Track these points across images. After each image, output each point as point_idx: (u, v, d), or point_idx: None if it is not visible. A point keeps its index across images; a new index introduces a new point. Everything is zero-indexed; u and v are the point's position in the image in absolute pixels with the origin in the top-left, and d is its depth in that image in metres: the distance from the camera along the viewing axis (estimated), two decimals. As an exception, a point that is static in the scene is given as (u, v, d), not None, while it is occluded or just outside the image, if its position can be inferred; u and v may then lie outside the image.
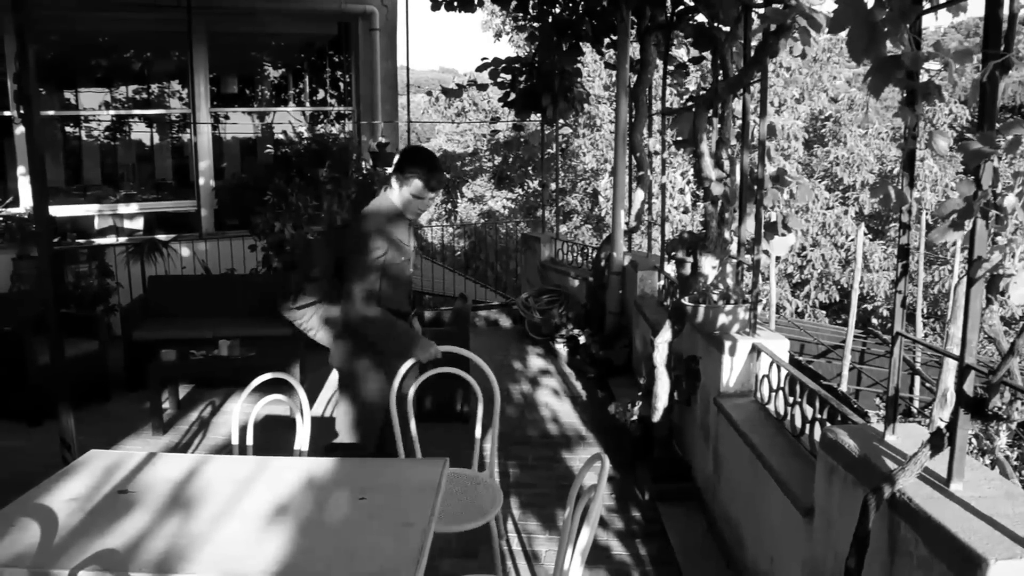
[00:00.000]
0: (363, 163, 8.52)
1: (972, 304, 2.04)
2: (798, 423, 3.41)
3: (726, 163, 4.64)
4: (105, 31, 10.97)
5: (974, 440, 6.84)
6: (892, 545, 2.26)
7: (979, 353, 2.10)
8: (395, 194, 3.61)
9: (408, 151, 3.80)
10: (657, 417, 4.70)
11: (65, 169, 11.42)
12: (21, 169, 8.97)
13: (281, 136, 8.53)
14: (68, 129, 11.79)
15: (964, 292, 2.06)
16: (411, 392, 3.61)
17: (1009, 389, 2.02)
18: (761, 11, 3.98)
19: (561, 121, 9.47)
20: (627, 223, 7.25)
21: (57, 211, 9.18)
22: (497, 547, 3.61)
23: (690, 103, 4.79)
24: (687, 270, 4.68)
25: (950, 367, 2.27)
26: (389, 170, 8.58)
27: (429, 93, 33.24)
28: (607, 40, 7.83)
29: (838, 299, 18.74)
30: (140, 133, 12.41)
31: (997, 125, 1.94)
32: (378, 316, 3.49)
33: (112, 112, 12.02)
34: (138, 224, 10.33)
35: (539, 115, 8.67)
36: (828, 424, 3.00)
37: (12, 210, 8.85)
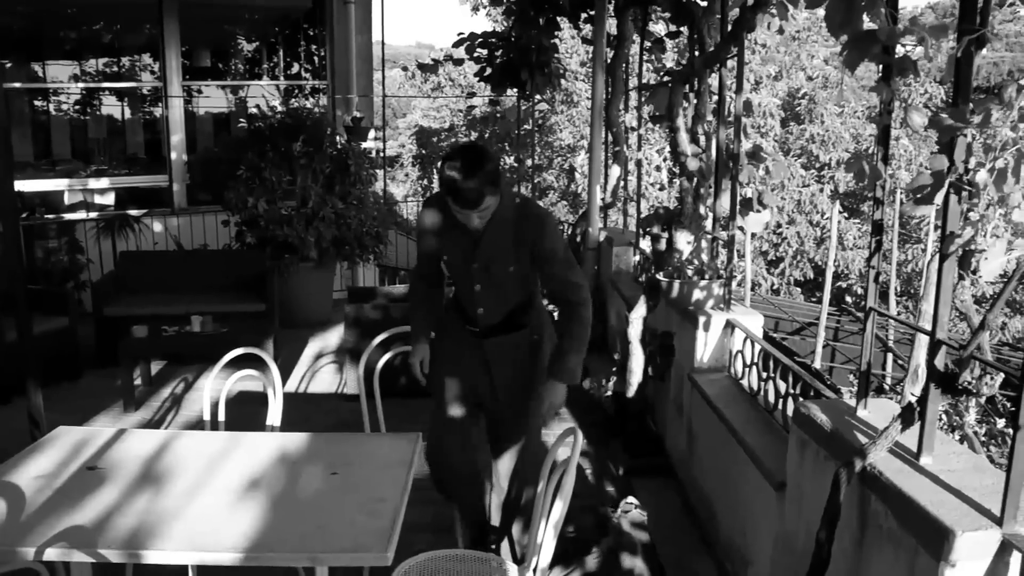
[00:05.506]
0: (337, 138, 8.43)
1: (944, 279, 2.05)
2: (771, 398, 3.43)
3: (702, 139, 4.62)
4: (73, 2, 10.75)
5: (944, 417, 6.93)
6: (863, 518, 2.28)
7: (950, 331, 2.11)
8: None
9: None
10: (631, 392, 4.72)
11: (34, 143, 11.22)
12: (-13, 142, 8.79)
13: (255, 110, 8.41)
14: (36, 102, 11.57)
15: (936, 267, 2.07)
16: (378, 368, 3.65)
17: (979, 364, 2.03)
18: (739, -15, 3.95)
19: (538, 97, 9.40)
20: (603, 199, 7.23)
21: (26, 186, 9.02)
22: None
23: (667, 78, 4.77)
24: (662, 246, 4.68)
25: (922, 343, 2.29)
26: (366, 144, 8.49)
27: (405, 68, 32.94)
28: (584, 15, 7.78)
29: (813, 276, 18.92)
30: (111, 107, 12.21)
31: (971, 105, 1.94)
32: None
33: (81, 85, 11.80)
34: (109, 199, 10.19)
35: (516, 90, 8.61)
36: (801, 399, 3.01)
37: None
